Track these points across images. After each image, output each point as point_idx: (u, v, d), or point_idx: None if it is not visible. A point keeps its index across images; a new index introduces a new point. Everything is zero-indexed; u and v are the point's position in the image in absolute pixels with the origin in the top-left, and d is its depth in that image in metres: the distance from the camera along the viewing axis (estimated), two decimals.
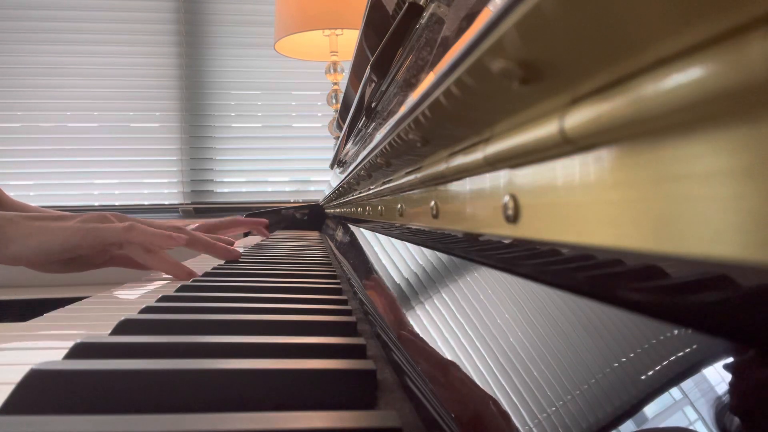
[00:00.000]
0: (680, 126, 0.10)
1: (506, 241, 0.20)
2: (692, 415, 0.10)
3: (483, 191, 0.22)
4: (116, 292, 0.54)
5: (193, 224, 1.09)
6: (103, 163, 2.11)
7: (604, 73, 0.12)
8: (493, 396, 0.18)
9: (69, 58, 2.10)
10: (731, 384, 0.09)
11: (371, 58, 0.46)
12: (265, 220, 1.30)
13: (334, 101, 1.66)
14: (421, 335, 0.27)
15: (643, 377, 0.12)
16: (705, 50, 0.09)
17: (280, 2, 1.59)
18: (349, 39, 1.59)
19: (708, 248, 0.09)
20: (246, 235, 1.59)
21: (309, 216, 1.75)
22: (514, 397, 0.16)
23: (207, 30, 2.18)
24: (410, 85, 0.31)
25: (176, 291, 0.44)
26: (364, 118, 0.60)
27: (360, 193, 0.68)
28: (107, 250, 0.63)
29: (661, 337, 0.12)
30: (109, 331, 0.31)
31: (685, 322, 0.11)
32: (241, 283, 0.48)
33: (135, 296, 0.52)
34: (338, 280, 0.53)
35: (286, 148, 2.22)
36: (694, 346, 0.11)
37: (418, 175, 0.31)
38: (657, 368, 0.11)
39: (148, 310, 0.36)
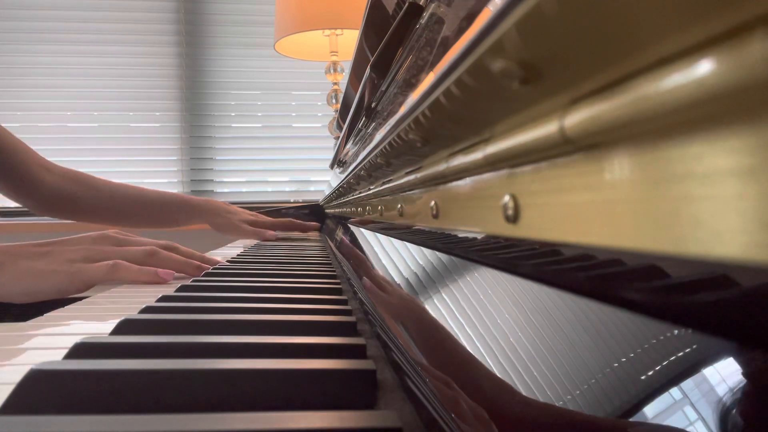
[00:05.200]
0: (680, 126, 0.10)
1: (506, 241, 0.20)
2: (692, 415, 0.10)
3: (483, 191, 0.22)
4: (116, 292, 0.54)
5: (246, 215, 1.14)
6: (103, 163, 2.11)
7: (604, 73, 0.12)
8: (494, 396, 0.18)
9: (69, 58, 2.10)
10: (731, 384, 0.09)
11: (371, 58, 0.46)
12: (315, 224, 1.33)
13: (334, 101, 1.66)
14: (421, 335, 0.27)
15: (643, 377, 0.12)
16: (705, 50, 0.09)
17: (280, 2, 1.59)
18: (349, 39, 1.59)
19: (708, 248, 0.09)
20: None
21: (309, 216, 1.75)
22: None
23: (207, 30, 2.18)
24: (410, 85, 0.31)
25: (176, 291, 0.44)
26: (364, 118, 0.60)
27: (360, 193, 0.68)
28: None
29: (661, 337, 0.12)
30: (109, 331, 0.31)
31: (685, 322, 0.11)
32: (242, 283, 0.48)
33: (135, 296, 0.52)
34: (338, 280, 0.53)
35: (286, 148, 2.22)
36: (694, 346, 0.11)
37: (418, 175, 0.31)
38: (657, 368, 0.11)
39: (148, 310, 0.36)
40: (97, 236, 0.64)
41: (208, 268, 0.64)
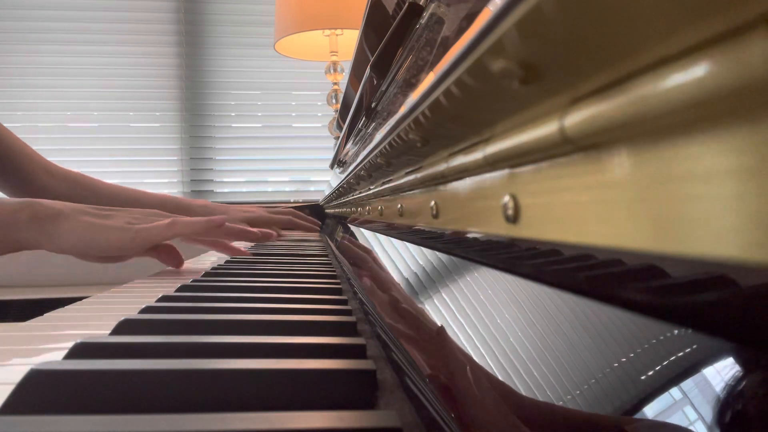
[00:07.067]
0: (680, 126, 0.10)
1: (506, 241, 0.20)
2: (692, 415, 0.10)
3: (483, 191, 0.22)
4: (116, 292, 0.54)
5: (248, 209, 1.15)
6: (103, 163, 2.11)
7: (604, 73, 0.12)
8: (494, 396, 0.18)
9: (69, 58, 2.10)
10: (731, 384, 0.09)
11: (371, 58, 0.46)
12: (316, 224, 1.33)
13: (334, 101, 1.66)
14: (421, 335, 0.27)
15: (643, 377, 0.12)
16: (705, 50, 0.09)
17: (280, 2, 1.59)
18: (349, 39, 1.59)
19: (708, 248, 0.09)
20: None
21: (309, 216, 1.75)
22: None
23: (207, 30, 2.17)
24: (410, 85, 0.31)
25: (176, 291, 0.44)
26: (364, 118, 0.60)
27: (360, 193, 0.68)
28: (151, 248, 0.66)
29: (661, 337, 0.12)
30: (109, 331, 0.31)
31: (685, 322, 0.11)
32: (242, 282, 0.48)
33: (135, 296, 0.52)
34: (338, 280, 0.53)
35: (286, 148, 2.22)
36: (694, 346, 0.11)
37: (418, 175, 0.31)
38: (657, 368, 0.11)
39: (148, 310, 0.36)
40: (150, 212, 0.69)
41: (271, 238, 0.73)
